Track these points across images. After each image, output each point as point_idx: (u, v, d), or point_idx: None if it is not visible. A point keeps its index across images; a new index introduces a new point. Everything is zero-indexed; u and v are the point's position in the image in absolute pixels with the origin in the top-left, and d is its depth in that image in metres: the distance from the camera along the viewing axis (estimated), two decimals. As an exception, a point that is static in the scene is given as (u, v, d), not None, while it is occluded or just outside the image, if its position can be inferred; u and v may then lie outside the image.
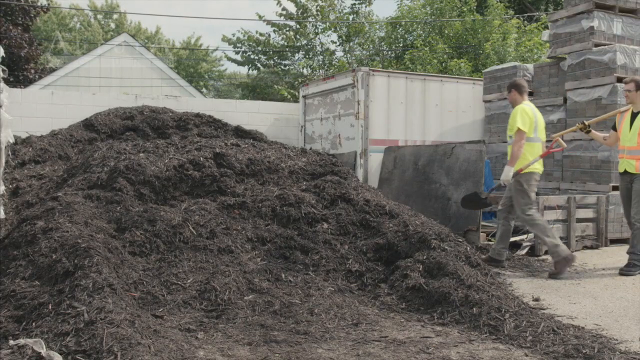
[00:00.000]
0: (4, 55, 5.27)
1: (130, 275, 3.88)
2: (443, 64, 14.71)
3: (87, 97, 10.47)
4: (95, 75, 16.83)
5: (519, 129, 5.33)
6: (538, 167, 5.47)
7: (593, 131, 5.90)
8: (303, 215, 5.02)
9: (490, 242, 6.68)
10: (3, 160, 5.28)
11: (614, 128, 5.79)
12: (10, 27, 17.28)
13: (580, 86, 7.63)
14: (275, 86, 18.63)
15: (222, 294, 3.84)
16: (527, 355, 3.11)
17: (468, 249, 4.63)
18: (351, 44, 18.48)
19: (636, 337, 3.48)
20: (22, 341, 2.67)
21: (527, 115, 5.37)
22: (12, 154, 8.16)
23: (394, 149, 8.46)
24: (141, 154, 5.71)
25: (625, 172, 5.52)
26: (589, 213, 6.91)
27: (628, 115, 5.58)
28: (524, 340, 3.31)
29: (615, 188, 7.23)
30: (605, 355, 3.05)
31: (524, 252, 6.38)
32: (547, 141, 5.79)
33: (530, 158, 5.37)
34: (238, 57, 20.55)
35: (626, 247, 7.13)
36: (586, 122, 5.78)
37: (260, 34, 19.38)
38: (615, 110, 6.05)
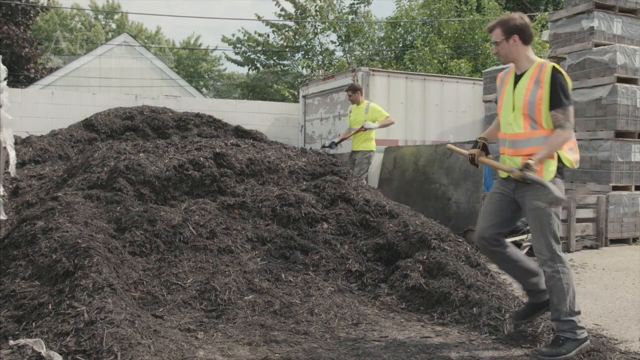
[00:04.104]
0: (7, 73, 5.28)
1: (130, 275, 3.88)
2: (443, 64, 14.71)
3: (87, 97, 10.47)
4: (95, 75, 16.84)
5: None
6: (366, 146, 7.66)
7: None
8: (303, 215, 5.02)
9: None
10: (3, 162, 5.28)
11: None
12: (12, 27, 17.28)
13: (580, 86, 7.63)
14: (275, 86, 18.63)
15: (222, 294, 3.84)
16: (527, 355, 3.11)
17: (468, 249, 4.62)
18: (351, 44, 18.47)
19: (636, 337, 3.48)
20: (22, 341, 2.67)
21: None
22: (12, 154, 8.15)
23: (394, 149, 8.46)
24: (141, 154, 5.71)
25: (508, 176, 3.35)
26: (589, 213, 6.91)
27: (510, 82, 3.39)
28: (524, 340, 3.30)
29: (616, 188, 7.24)
30: (605, 355, 3.05)
31: (524, 252, 6.38)
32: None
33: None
34: (238, 58, 20.56)
35: (626, 247, 7.15)
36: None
37: (259, 34, 19.38)
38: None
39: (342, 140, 8.04)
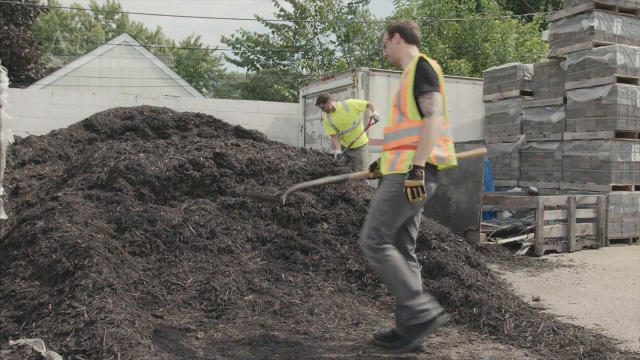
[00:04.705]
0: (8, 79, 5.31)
1: (130, 275, 3.88)
2: (443, 64, 14.70)
3: (87, 97, 10.48)
4: (95, 75, 16.85)
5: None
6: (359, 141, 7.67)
7: None
8: (303, 215, 5.02)
9: (491, 242, 6.68)
10: (4, 162, 5.28)
11: None
12: (12, 27, 17.29)
13: (580, 86, 7.63)
14: (275, 86, 18.64)
15: (222, 294, 3.84)
16: (527, 355, 3.11)
17: (468, 249, 4.62)
18: (350, 44, 18.47)
19: (636, 337, 3.48)
20: (22, 341, 2.66)
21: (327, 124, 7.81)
22: (12, 154, 8.16)
23: (394, 149, 8.45)
24: (141, 154, 5.71)
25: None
26: (589, 213, 6.92)
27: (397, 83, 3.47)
28: (524, 340, 3.30)
29: (616, 188, 7.24)
30: (605, 355, 3.05)
31: (524, 252, 6.38)
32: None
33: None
34: (237, 58, 20.56)
35: (626, 247, 7.16)
36: None
37: (259, 35, 19.38)
38: None
39: (349, 147, 7.77)
